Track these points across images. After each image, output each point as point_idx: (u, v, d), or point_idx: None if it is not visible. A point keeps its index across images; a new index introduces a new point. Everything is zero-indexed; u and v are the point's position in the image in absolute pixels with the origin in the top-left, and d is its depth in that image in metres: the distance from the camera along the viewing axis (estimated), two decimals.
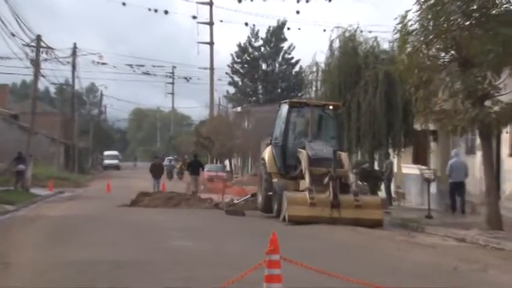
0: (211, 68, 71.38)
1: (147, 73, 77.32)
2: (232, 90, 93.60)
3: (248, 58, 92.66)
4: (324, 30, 71.42)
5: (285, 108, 26.11)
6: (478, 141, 23.32)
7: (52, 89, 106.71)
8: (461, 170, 25.29)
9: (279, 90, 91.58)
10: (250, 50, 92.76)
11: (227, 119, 69.13)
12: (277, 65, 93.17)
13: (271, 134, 27.90)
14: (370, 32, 34.00)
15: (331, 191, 22.12)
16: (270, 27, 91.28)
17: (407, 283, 11.68)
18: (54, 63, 49.75)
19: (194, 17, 69.38)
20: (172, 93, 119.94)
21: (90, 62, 70.34)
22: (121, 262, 13.08)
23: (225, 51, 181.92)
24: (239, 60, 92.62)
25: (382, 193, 29.65)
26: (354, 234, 19.36)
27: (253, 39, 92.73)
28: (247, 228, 21.70)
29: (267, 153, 26.13)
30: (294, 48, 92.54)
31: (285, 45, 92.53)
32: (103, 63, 69.97)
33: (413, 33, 20.11)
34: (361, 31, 30.78)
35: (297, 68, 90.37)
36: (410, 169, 31.22)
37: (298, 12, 67.63)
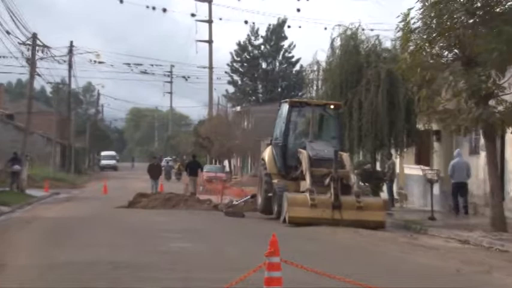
0: (210, 67, 71.42)
1: (144, 72, 77.33)
2: (231, 89, 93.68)
3: (248, 57, 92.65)
4: (325, 29, 71.82)
5: (285, 107, 26.11)
6: (482, 141, 23.33)
7: (48, 88, 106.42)
8: (463, 171, 25.32)
9: (279, 90, 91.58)
10: (249, 48, 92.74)
11: (226, 118, 69.14)
12: (277, 64, 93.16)
13: (271, 134, 27.92)
14: (372, 30, 33.93)
15: (332, 192, 22.12)
16: (270, 25, 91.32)
17: (409, 286, 11.69)
18: (50, 62, 49.99)
19: (193, 15, 69.37)
20: (171, 93, 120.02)
21: (87, 60, 70.33)
22: (118, 264, 13.08)
23: (225, 50, 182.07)
24: (238, 58, 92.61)
25: (384, 194, 29.64)
26: (355, 236, 19.36)
27: (253, 38, 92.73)
28: (247, 229, 21.69)
29: (267, 153, 26.14)
30: (294, 46, 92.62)
31: (286, 43, 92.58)
32: (100, 62, 70.04)
33: (416, 31, 20.12)
34: (363, 29, 30.82)
35: (297, 67, 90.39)
36: (413, 170, 31.23)
37: (298, 10, 67.80)
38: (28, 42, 41.05)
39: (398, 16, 20.30)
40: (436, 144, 29.87)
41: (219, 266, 13.30)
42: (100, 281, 11.40)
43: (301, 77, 57.98)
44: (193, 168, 38.18)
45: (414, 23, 20.07)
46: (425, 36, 19.93)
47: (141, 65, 76.30)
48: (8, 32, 36.89)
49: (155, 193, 34.50)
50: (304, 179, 23.48)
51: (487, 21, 19.24)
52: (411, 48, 20.28)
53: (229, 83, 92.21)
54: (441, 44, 20.17)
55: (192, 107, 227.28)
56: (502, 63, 19.12)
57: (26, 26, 41.32)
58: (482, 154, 24.19)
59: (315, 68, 31.12)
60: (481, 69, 19.39)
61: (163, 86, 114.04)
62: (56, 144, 68.85)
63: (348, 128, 28.63)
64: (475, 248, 17.84)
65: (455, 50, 20.21)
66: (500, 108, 19.75)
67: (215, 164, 70.92)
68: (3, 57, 52.07)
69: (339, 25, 30.65)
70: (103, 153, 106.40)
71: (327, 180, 22.51)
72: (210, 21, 70.14)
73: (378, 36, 30.77)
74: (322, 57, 30.92)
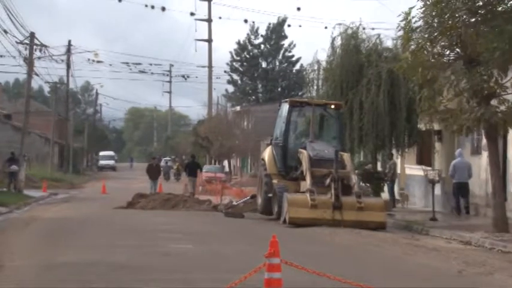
0: (210, 66, 71.41)
1: (143, 71, 77.35)
2: (231, 89, 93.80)
3: (247, 56, 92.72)
4: (326, 28, 71.77)
5: (285, 107, 26.11)
6: (484, 141, 23.32)
7: (46, 88, 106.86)
8: (465, 171, 25.32)
9: (279, 89, 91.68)
10: (249, 47, 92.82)
11: (226, 118, 69.15)
12: (277, 63, 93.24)
13: (271, 134, 27.92)
14: (373, 29, 33.86)
15: (332, 192, 22.12)
16: (270, 24, 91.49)
17: (410, 287, 11.69)
18: (48, 61, 50.07)
19: (192, 14, 69.40)
20: (170, 92, 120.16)
21: (85, 60, 70.42)
22: (117, 265, 13.08)
23: (224, 49, 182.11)
24: (238, 58, 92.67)
25: (385, 195, 29.65)
26: (356, 237, 19.36)
27: (252, 37, 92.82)
28: (247, 230, 21.69)
29: (267, 153, 26.14)
30: (294, 45, 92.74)
31: (286, 42, 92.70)
32: (98, 61, 70.00)
33: (418, 30, 20.10)
34: (364, 28, 30.86)
35: (297, 66, 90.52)
36: (414, 170, 31.23)
37: (299, 8, 68.07)
38: (26, 41, 41.04)
39: (400, 15, 20.30)
40: (437, 144, 29.87)
41: (219, 267, 13.30)
42: (98, 283, 11.39)
43: (302, 77, 58.05)
44: (192, 168, 38.18)
45: (415, 21, 20.06)
46: (426, 35, 19.92)
47: (140, 64, 76.35)
48: (5, 31, 36.86)
49: (154, 194, 34.50)
50: (304, 179, 23.48)
51: (489, 20, 19.22)
52: (412, 47, 20.25)
53: (228, 82, 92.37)
54: (443, 43, 20.16)
55: (192, 106, 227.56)
56: (504, 63, 19.11)
57: (23, 24, 41.38)
58: (484, 154, 24.19)
59: (316, 67, 31.16)
60: (483, 69, 19.38)
61: (162, 86, 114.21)
62: (54, 144, 68.86)
63: (348, 128, 28.64)
64: (477, 249, 17.84)
65: (457, 49, 20.20)
66: (503, 107, 19.74)
67: (215, 164, 70.92)
68: (1, 56, 52.05)
69: (340, 24, 30.72)
70: (101, 153, 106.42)
71: (328, 181, 22.51)
72: (209, 20, 70.14)
73: (378, 35, 30.81)
74: (323, 56, 30.98)
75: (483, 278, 12.82)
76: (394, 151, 30.28)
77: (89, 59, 68.73)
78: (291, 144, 25.67)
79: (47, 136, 69.45)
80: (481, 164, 25.55)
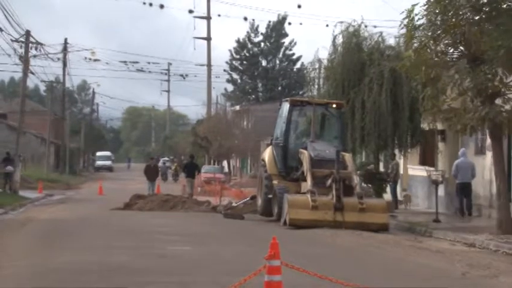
0: (209, 65, 71.41)
1: (141, 70, 77.38)
2: (230, 87, 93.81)
3: (247, 54, 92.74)
4: (327, 25, 71.61)
5: (286, 106, 26.11)
6: (488, 141, 23.32)
7: (42, 87, 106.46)
8: (468, 171, 25.32)
9: (280, 88, 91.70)
10: (249, 45, 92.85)
11: (225, 118, 69.18)
12: (277, 62, 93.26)
13: (271, 133, 27.91)
14: (375, 27, 33.82)
15: (334, 193, 22.11)
16: (270, 22, 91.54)
17: None
18: (44, 60, 50.01)
19: (191, 11, 69.51)
20: (168, 91, 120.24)
21: (82, 58, 70.58)
22: (114, 267, 13.08)
23: (223, 47, 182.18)
24: (238, 56, 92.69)
25: (387, 196, 29.66)
26: (357, 239, 19.35)
27: (252, 35, 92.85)
28: (246, 232, 21.69)
29: (267, 153, 26.13)
30: (295, 44, 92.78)
31: (286, 40, 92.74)
32: (95, 60, 69.88)
33: (421, 28, 20.10)
34: (366, 26, 30.81)
35: (298, 65, 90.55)
36: (417, 170, 31.23)
37: (299, 6, 67.45)
38: (21, 39, 41.02)
39: (402, 13, 20.30)
40: (441, 144, 29.87)
41: (218, 269, 13.29)
42: (95, 285, 11.39)
43: (302, 75, 58.01)
44: (190, 169, 38.14)
45: (418, 19, 20.07)
46: (429, 33, 19.92)
47: (137, 62, 76.45)
48: (0, 29, 36.88)
49: (152, 195, 34.50)
50: (305, 180, 23.47)
51: (494, 17, 19.22)
52: (415, 45, 20.26)
53: (228, 81, 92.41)
54: (446, 41, 20.16)
55: (190, 106, 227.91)
56: (508, 61, 19.10)
57: (19, 22, 41.34)
58: (489, 154, 24.19)
59: (317, 66, 31.14)
60: (487, 67, 19.37)
61: (160, 85, 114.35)
62: (50, 144, 68.88)
63: (350, 128, 28.64)
64: (482, 251, 17.83)
65: (461, 48, 20.20)
66: (507, 107, 19.74)
67: (214, 164, 70.94)
68: None
69: (341, 22, 30.77)
70: (98, 153, 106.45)
71: (329, 182, 22.50)
72: (208, 18, 70.14)
73: (381, 33, 30.80)
74: (324, 54, 30.97)
75: (488, 281, 12.81)
76: (396, 151, 30.27)
77: (85, 58, 68.66)
78: (292, 144, 25.66)
79: (43, 136, 69.47)
80: (485, 164, 25.55)
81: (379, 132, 28.50)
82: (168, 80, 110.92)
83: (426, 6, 19.78)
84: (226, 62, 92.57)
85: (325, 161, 23.33)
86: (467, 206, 25.54)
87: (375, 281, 11.86)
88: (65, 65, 68.59)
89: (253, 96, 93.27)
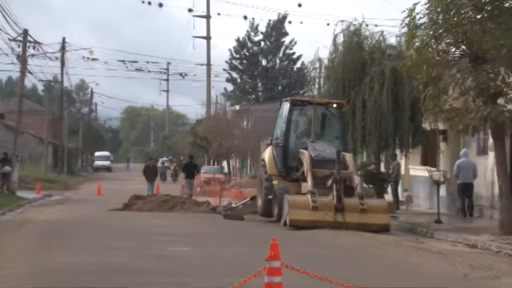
0: (208, 64, 71.44)
1: (140, 69, 77.42)
2: (230, 87, 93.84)
3: (247, 53, 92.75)
4: (328, 24, 71.77)
5: (286, 106, 26.11)
6: (490, 141, 23.31)
7: (40, 86, 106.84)
8: (469, 171, 25.31)
9: (280, 88, 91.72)
10: (249, 45, 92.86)
11: (225, 118, 69.17)
12: (277, 61, 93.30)
13: (271, 133, 27.91)
14: (376, 25, 33.96)
15: (334, 194, 22.11)
16: (270, 20, 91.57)
17: None
18: (42, 59, 49.98)
19: (190, 10, 69.56)
20: (167, 91, 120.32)
21: (80, 57, 70.25)
22: (112, 268, 13.09)
23: (223, 46, 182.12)
24: (238, 55, 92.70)
25: (388, 196, 29.64)
26: (358, 240, 19.36)
27: (252, 34, 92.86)
28: (246, 233, 21.70)
29: (267, 154, 26.13)
30: (295, 43, 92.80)
31: (286, 39, 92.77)
32: (94, 59, 69.93)
33: (422, 27, 20.10)
34: (367, 25, 30.81)
35: (298, 64, 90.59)
36: (419, 171, 31.23)
37: (300, 5, 67.37)
38: (19, 38, 41.03)
39: (404, 11, 20.30)
40: (442, 145, 29.87)
41: (217, 270, 13.29)
42: (93, 286, 11.40)
43: (303, 75, 58.05)
44: (190, 169, 38.13)
45: (420, 18, 20.06)
46: (431, 32, 19.91)
47: (136, 62, 76.51)
48: None
49: (151, 195, 34.49)
50: (305, 180, 23.47)
51: (496, 16, 19.21)
52: (417, 44, 20.25)
53: (227, 80, 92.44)
54: (448, 40, 20.16)
55: (190, 105, 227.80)
56: (511, 60, 19.10)
57: (16, 21, 41.23)
58: (491, 154, 24.18)
59: (317, 65, 31.13)
60: (489, 67, 19.37)
61: (159, 84, 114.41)
62: (47, 144, 68.89)
63: (351, 128, 28.63)
64: (483, 252, 17.84)
65: (463, 47, 20.20)
66: (510, 106, 19.73)
67: (213, 164, 70.94)
68: None
69: (342, 21, 30.71)
70: (97, 153, 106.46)
71: (329, 182, 22.50)
72: (208, 17, 70.16)
73: (382, 32, 30.79)
74: (325, 54, 30.95)
75: (489, 282, 12.81)
76: (397, 151, 30.26)
77: (83, 57, 68.71)
78: (292, 144, 25.66)
79: (41, 136, 69.47)
80: (487, 165, 25.55)
81: (380, 132, 28.49)
82: (167, 80, 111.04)
83: (428, 4, 19.78)
84: (226, 61, 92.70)
85: (325, 161, 23.33)
86: (469, 206, 25.55)
87: (376, 282, 11.86)
88: (63, 64, 68.60)
89: (253, 95, 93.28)
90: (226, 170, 68.75)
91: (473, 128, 20.16)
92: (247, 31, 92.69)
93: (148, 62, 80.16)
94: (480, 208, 26.08)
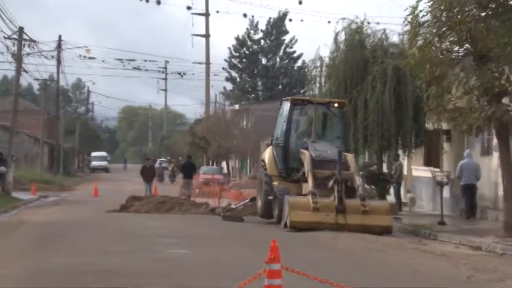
0: (207, 63, 71.46)
1: (138, 68, 77.29)
2: (229, 86, 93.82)
3: (247, 52, 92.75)
4: (329, 22, 71.56)
5: (286, 106, 26.12)
6: (494, 141, 23.32)
7: (35, 85, 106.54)
8: (472, 172, 25.30)
9: (280, 87, 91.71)
10: (249, 43, 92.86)
11: (224, 117, 69.18)
12: (278, 60, 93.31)
13: (271, 133, 27.91)
14: (378, 23, 33.93)
15: (336, 195, 22.11)
16: (270, 18, 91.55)
17: None
18: (38, 58, 49.84)
19: (189, 8, 69.58)
20: (165, 90, 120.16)
21: (77, 56, 70.44)
22: (109, 271, 13.09)
23: (222, 45, 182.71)
24: (237, 54, 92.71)
25: (391, 197, 29.66)
26: (360, 242, 19.36)
27: (252, 32, 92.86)
28: (246, 235, 21.70)
29: (267, 154, 26.14)
30: (296, 41, 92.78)
31: (287, 38, 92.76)
32: (90, 58, 69.92)
33: (425, 25, 20.12)
34: (369, 23, 30.86)
35: (299, 63, 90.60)
36: (422, 171, 31.24)
37: (300, 2, 67.30)
38: (14, 36, 41.02)
39: (406, 9, 20.32)
40: (446, 145, 29.88)
41: (216, 273, 13.30)
42: (91, 286, 11.40)
43: (304, 74, 58.03)
44: (188, 170, 38.13)
45: (423, 16, 20.08)
46: (434, 30, 19.93)
47: (134, 60, 76.32)
48: None
49: (149, 196, 34.50)
50: (306, 181, 23.48)
51: (500, 14, 19.23)
52: (420, 42, 20.27)
53: (227, 79, 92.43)
54: (451, 39, 20.17)
55: (188, 105, 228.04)
56: None
57: (12, 19, 41.29)
58: (495, 155, 24.19)
59: (318, 64, 31.16)
60: (494, 65, 19.38)
61: (157, 83, 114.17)
62: (43, 144, 68.88)
63: (352, 128, 28.64)
64: (488, 254, 17.84)
65: (467, 45, 20.21)
66: None
67: (212, 165, 70.95)
68: None
69: (344, 18, 30.76)
70: (93, 154, 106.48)
71: (331, 183, 22.51)
72: (206, 14, 70.20)
73: (384, 30, 30.83)
74: (326, 52, 31.00)
75: (494, 285, 12.82)
76: (400, 152, 30.28)
77: (80, 55, 68.66)
78: (293, 144, 25.67)
79: (36, 136, 69.45)
80: (492, 165, 25.56)
81: (383, 132, 28.51)
82: (166, 79, 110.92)
83: (431, 2, 19.80)
84: (225, 60, 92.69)
85: (326, 162, 23.33)
86: (471, 207, 25.55)
87: (377, 284, 11.87)
88: (59, 62, 68.58)
89: (253, 95, 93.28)
90: (225, 170, 68.76)
91: (477, 128, 20.17)
92: (247, 29, 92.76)
93: (146, 61, 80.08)
94: (484, 209, 26.08)
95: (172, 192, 39.32)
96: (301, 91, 75.23)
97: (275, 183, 24.75)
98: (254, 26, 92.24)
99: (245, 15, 76.06)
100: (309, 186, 22.96)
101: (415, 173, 32.74)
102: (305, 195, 22.96)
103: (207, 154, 70.43)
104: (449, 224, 24.09)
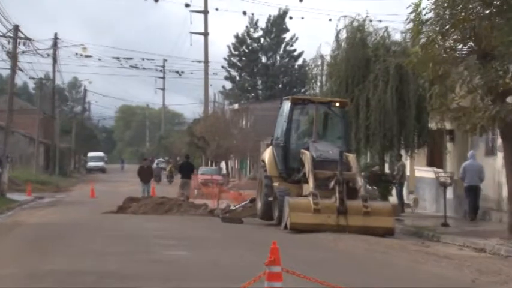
0: (206, 61, 71.48)
1: (135, 67, 77.41)
2: (229, 85, 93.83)
3: (246, 50, 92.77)
4: (330, 20, 71.56)
5: (287, 105, 26.12)
6: (499, 141, 23.32)
7: (31, 84, 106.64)
8: (475, 173, 25.30)
9: (280, 86, 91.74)
10: (248, 41, 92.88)
11: (223, 117, 69.20)
12: (278, 58, 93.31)
13: (271, 133, 27.91)
14: (380, 21, 33.75)
15: (337, 196, 22.12)
16: (270, 16, 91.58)
17: None
18: (33, 56, 49.85)
19: (187, 5, 69.67)
20: (163, 89, 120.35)
21: (73, 54, 70.30)
22: (106, 273, 13.09)
23: (221, 43, 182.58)
24: (236, 52, 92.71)
25: (393, 198, 29.66)
26: (361, 244, 19.37)
27: (252, 30, 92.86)
28: (245, 236, 21.71)
29: (267, 154, 26.14)
30: (296, 39, 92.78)
31: (287, 36, 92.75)
32: (87, 56, 70.09)
33: (428, 22, 20.12)
34: (371, 21, 30.82)
35: (300, 61, 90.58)
36: (425, 172, 31.23)
37: None
38: (9, 34, 41.05)
39: (409, 6, 20.31)
40: (449, 145, 29.89)
41: (216, 275, 13.31)
42: (89, 287, 11.44)
43: (304, 72, 58.00)
44: (186, 170, 38.12)
45: (426, 13, 20.09)
46: (437, 28, 19.93)
47: (131, 59, 76.42)
48: None
49: (146, 197, 34.51)
50: (307, 182, 23.48)
51: (505, 11, 19.23)
52: (423, 41, 20.27)
53: (226, 78, 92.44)
54: (455, 37, 20.17)
55: (187, 104, 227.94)
56: None
57: (7, 17, 41.25)
58: (500, 155, 24.19)
59: (319, 62, 31.15)
60: (498, 64, 19.38)
61: (155, 82, 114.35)
62: (39, 144, 68.91)
63: (354, 127, 28.64)
64: (492, 256, 17.86)
65: (471, 43, 20.21)
66: None
67: (211, 166, 70.95)
68: None
69: (345, 16, 30.70)
70: (90, 154, 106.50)
71: (332, 184, 22.51)
72: (205, 12, 70.23)
73: (386, 28, 30.78)
74: (327, 50, 31.01)
75: (498, 287, 12.82)
76: (403, 152, 30.27)
77: (76, 54, 68.83)
78: (293, 144, 25.67)
79: (32, 136, 69.46)
80: (496, 166, 25.57)
81: (385, 131, 28.51)
82: (164, 77, 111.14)
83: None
84: (225, 59, 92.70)
85: (327, 162, 23.34)
86: (474, 209, 25.56)
87: (378, 286, 11.87)
88: (55, 61, 68.62)
89: (253, 94, 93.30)
90: (224, 171, 68.78)
91: (482, 127, 20.16)
92: (247, 27, 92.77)
93: (143, 59, 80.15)
94: (489, 211, 26.08)
95: (171, 193, 39.32)
96: (302, 90, 75.27)
97: (275, 184, 24.75)
98: (254, 24, 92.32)
99: (245, 13, 76.11)
100: (309, 187, 22.96)
101: (417, 173, 32.74)
102: (306, 196, 22.97)
103: (205, 154, 70.42)
104: (453, 226, 24.10)
